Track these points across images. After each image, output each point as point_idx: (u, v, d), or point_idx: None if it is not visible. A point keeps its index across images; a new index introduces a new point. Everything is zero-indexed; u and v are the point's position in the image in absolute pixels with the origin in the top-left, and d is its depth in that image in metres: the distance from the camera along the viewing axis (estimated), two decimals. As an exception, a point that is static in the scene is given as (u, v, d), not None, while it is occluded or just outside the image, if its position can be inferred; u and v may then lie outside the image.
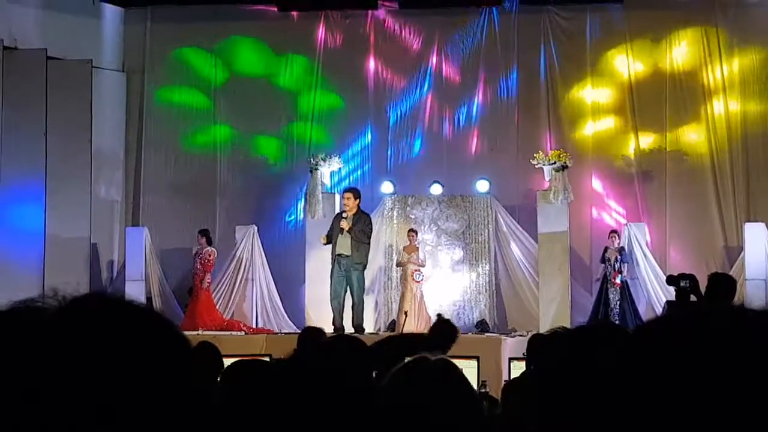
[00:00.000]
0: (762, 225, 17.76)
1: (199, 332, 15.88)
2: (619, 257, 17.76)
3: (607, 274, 17.79)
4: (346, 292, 16.88)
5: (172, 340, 1.45)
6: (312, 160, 18.63)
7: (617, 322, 16.46)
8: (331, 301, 16.86)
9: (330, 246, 17.01)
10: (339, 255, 16.72)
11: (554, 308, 17.49)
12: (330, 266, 17.06)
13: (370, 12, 20.45)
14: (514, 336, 16.71)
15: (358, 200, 16.98)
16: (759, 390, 1.20)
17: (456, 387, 2.86)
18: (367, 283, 17.55)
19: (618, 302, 17.55)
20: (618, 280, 17.65)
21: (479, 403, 2.89)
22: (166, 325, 1.47)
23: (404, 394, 2.76)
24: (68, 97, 18.05)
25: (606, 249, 17.96)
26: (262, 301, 18.76)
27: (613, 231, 18.20)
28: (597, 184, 19.85)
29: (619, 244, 17.92)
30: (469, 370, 11.85)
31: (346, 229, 16.62)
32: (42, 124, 17.69)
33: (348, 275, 16.75)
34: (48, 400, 1.28)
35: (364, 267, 17.00)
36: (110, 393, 1.31)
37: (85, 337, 1.35)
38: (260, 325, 18.33)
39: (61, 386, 1.30)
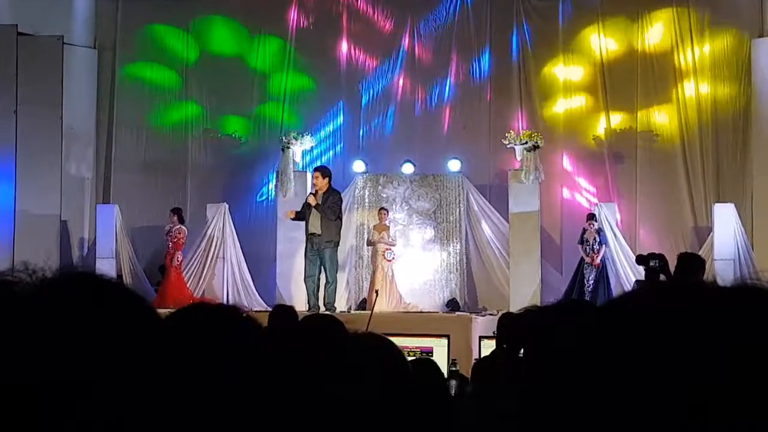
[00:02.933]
0: (731, 206, 17.86)
1: (170, 310, 15.84)
2: (597, 238, 17.84)
3: (585, 254, 17.86)
4: (320, 271, 16.89)
5: (141, 314, 1.47)
6: (284, 138, 18.60)
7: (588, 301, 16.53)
8: (305, 280, 16.87)
9: (300, 223, 17.03)
10: (311, 234, 16.73)
11: (525, 287, 17.54)
12: (302, 245, 17.08)
13: (342, -10, 20.44)
14: (485, 315, 16.77)
15: (327, 179, 16.97)
16: (722, 365, 1.23)
17: (387, 365, 2.90)
18: (339, 261, 17.56)
19: (593, 283, 17.64)
20: (598, 260, 17.73)
21: (412, 380, 2.92)
22: (135, 298, 1.48)
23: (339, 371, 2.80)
24: (39, 74, 17.92)
25: (584, 230, 18.00)
26: (233, 278, 18.73)
27: (591, 214, 18.24)
28: (568, 164, 19.91)
29: (597, 225, 17.96)
30: (440, 348, 11.91)
31: (314, 204, 16.64)
32: (12, 101, 17.56)
33: (320, 254, 16.75)
34: (20, 371, 1.30)
35: (336, 244, 17.00)
36: (80, 364, 1.32)
37: (58, 312, 1.36)
38: (231, 303, 18.31)
39: (34, 358, 1.31)
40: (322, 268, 16.83)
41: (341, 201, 17.19)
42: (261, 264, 18.92)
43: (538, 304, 13.66)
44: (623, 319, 1.31)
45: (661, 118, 19.75)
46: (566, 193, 19.85)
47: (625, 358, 1.26)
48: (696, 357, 1.23)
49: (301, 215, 16.87)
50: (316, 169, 17.33)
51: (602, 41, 19.93)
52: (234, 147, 20.53)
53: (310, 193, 16.87)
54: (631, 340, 1.27)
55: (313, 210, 16.67)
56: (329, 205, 16.74)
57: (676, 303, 1.30)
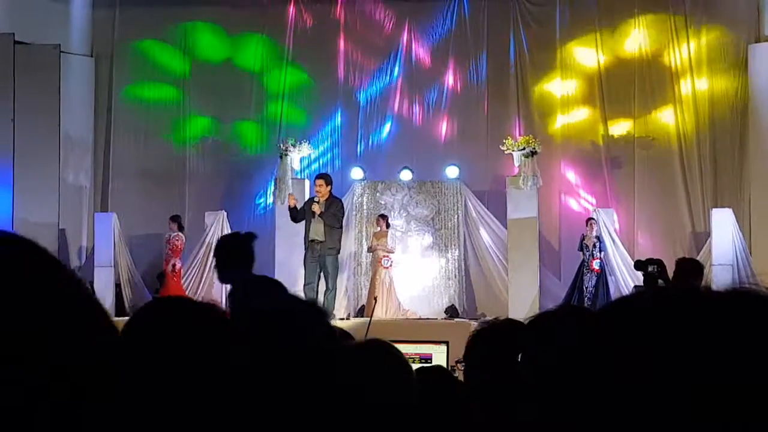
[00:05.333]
0: (729, 210, 17.87)
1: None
2: (598, 244, 17.86)
3: (585, 260, 17.87)
4: (318, 278, 16.87)
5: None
6: (282, 145, 18.59)
7: (588, 307, 16.52)
8: (304, 287, 16.81)
9: (299, 230, 16.98)
10: (312, 241, 16.67)
11: (523, 294, 17.54)
12: (301, 252, 17.03)
13: (340, -4, 20.47)
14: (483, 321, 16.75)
15: (329, 186, 16.95)
16: (721, 368, 1.23)
17: (389, 368, 2.92)
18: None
19: (593, 288, 17.65)
20: (596, 266, 17.74)
21: (411, 385, 2.95)
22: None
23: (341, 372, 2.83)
24: (36, 82, 17.93)
25: (583, 236, 18.01)
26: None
27: (591, 218, 18.24)
28: (566, 171, 19.91)
29: (597, 231, 17.97)
30: (439, 354, 11.88)
31: (318, 212, 16.59)
32: (10, 110, 17.56)
33: (322, 261, 16.71)
34: None
35: (338, 252, 16.99)
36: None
37: None
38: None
39: None
40: (323, 275, 16.80)
41: (344, 208, 17.18)
42: (259, 271, 18.73)
43: (538, 311, 13.64)
44: (623, 323, 1.31)
45: (659, 124, 19.76)
46: (564, 199, 19.84)
47: (625, 362, 1.26)
48: (694, 360, 1.23)
49: (299, 215, 16.83)
50: (320, 176, 17.24)
51: (599, 48, 19.94)
52: (232, 155, 20.52)
53: (315, 201, 16.78)
54: (631, 344, 1.27)
55: (317, 217, 16.62)
56: (333, 213, 16.71)
57: (674, 307, 1.30)
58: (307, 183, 18.41)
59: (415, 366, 3.42)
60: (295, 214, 16.86)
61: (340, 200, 17.16)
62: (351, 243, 18.88)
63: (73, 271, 1.44)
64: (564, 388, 1.30)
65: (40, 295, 1.32)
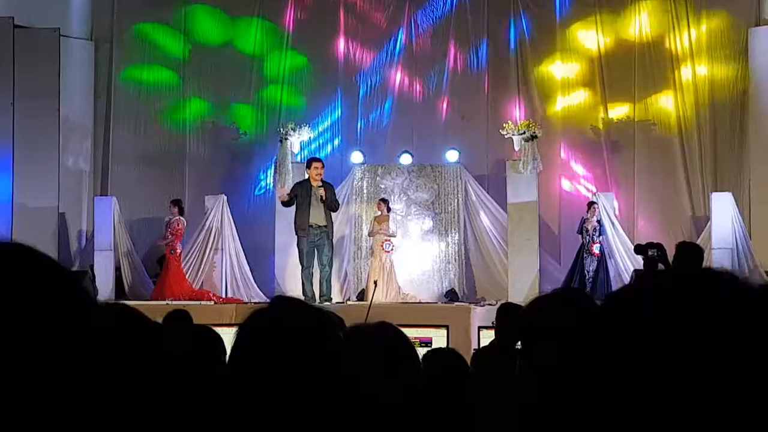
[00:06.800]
0: (728, 195, 17.87)
1: (168, 302, 15.83)
2: (598, 228, 17.85)
3: (585, 243, 17.87)
4: (313, 261, 16.92)
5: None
6: (282, 129, 18.58)
7: (588, 290, 16.54)
8: (303, 270, 16.83)
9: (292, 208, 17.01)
10: (311, 226, 16.69)
11: (523, 277, 17.55)
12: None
13: (340, -20, 20.42)
14: (483, 305, 16.76)
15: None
16: (723, 350, 1.23)
17: (391, 354, 2.93)
18: (335, 252, 17.61)
19: (594, 272, 17.66)
20: (597, 250, 17.74)
21: (414, 371, 2.95)
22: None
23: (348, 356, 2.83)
24: (36, 66, 17.91)
25: (584, 220, 18.00)
26: (231, 270, 18.71)
27: (592, 202, 18.22)
28: (566, 154, 19.90)
29: (597, 215, 17.96)
30: (439, 338, 11.90)
31: (323, 197, 16.63)
32: (9, 94, 17.55)
33: (320, 244, 16.74)
34: None
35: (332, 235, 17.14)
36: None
37: None
38: (230, 295, 18.29)
39: None
40: (321, 258, 16.82)
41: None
42: (260, 255, 18.91)
43: (537, 294, 13.65)
44: (631, 316, 1.31)
45: (659, 108, 19.75)
46: (564, 183, 19.85)
47: (629, 348, 1.26)
48: (701, 347, 1.23)
49: (291, 200, 16.85)
50: (317, 159, 17.24)
51: (599, 31, 19.91)
52: (232, 138, 20.51)
53: (319, 187, 16.78)
54: (637, 331, 1.27)
55: (318, 202, 16.63)
56: (331, 197, 16.77)
57: (682, 299, 1.30)
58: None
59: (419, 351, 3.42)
60: (289, 201, 16.92)
61: (330, 183, 17.25)
62: (351, 227, 18.90)
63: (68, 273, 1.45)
64: (564, 379, 1.30)
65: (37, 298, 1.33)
